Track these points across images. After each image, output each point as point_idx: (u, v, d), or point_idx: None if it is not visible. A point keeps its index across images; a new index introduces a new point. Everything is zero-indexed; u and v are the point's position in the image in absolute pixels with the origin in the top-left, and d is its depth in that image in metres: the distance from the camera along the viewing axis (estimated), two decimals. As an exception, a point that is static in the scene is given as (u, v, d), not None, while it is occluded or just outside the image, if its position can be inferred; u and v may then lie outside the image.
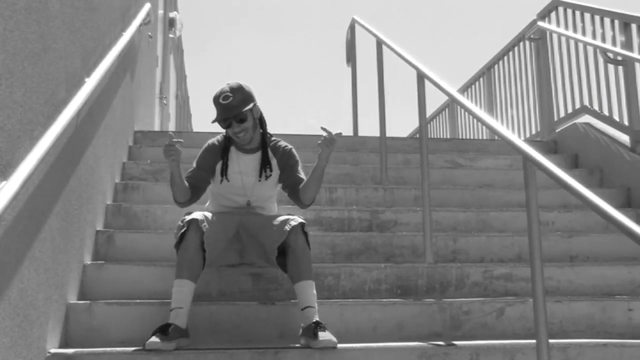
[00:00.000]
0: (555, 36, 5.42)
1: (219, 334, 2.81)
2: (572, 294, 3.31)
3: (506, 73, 6.31)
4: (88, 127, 3.06)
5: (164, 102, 7.29)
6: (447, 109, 8.10)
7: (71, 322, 2.71)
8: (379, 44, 4.84)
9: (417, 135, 5.23)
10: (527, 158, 2.45)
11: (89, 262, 3.10)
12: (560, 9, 5.29)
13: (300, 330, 2.66)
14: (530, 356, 2.59)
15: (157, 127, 6.68)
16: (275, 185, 3.07)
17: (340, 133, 2.86)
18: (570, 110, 5.20)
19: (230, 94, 2.88)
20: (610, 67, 4.56)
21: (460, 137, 7.52)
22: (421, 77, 3.69)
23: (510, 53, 6.21)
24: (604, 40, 4.65)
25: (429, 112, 8.25)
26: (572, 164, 5.02)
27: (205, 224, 2.74)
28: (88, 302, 2.79)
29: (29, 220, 2.14)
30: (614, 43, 4.54)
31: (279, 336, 2.83)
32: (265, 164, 2.99)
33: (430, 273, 3.27)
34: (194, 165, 3.03)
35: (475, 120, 6.96)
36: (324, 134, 2.85)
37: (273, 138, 3.08)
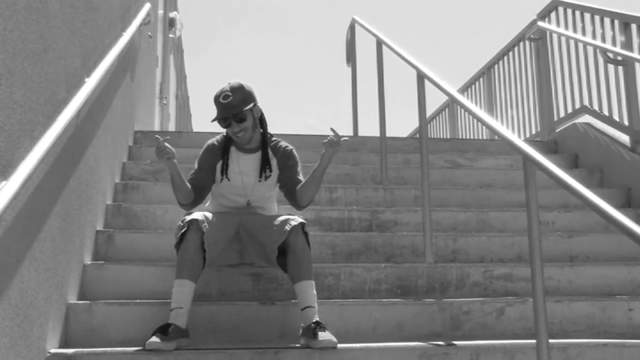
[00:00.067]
0: (555, 36, 5.42)
1: (219, 334, 2.81)
2: (572, 294, 3.31)
3: (506, 73, 6.31)
4: (88, 127, 3.06)
5: (164, 102, 7.29)
6: (447, 109, 8.10)
7: (71, 322, 2.71)
8: (379, 44, 4.84)
9: (417, 135, 5.22)
10: (527, 158, 2.45)
11: (89, 262, 3.10)
12: (560, 9, 5.29)
13: (300, 330, 2.66)
14: (530, 356, 2.59)
15: (157, 127, 6.68)
16: (275, 185, 3.07)
17: (347, 139, 2.86)
18: (570, 110, 5.20)
19: (231, 94, 2.88)
20: (610, 67, 4.56)
21: (460, 137, 7.52)
22: (421, 77, 3.69)
23: (510, 53, 6.21)
24: (604, 40, 4.65)
25: (429, 112, 8.25)
26: (572, 164, 5.02)
27: (206, 224, 2.74)
28: (88, 302, 2.79)
29: (29, 220, 2.14)
30: (614, 43, 4.54)
31: (279, 336, 2.83)
32: (265, 164, 2.99)
33: (430, 273, 3.27)
34: (196, 166, 3.03)
35: (475, 120, 6.96)
36: (331, 134, 2.85)
37: (274, 138, 3.08)
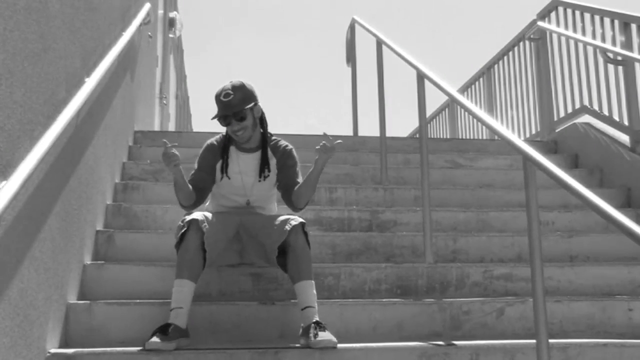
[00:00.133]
0: (555, 36, 5.42)
1: (219, 334, 2.81)
2: (572, 294, 3.31)
3: (506, 73, 6.31)
4: (88, 127, 3.06)
5: (164, 102, 7.29)
6: (447, 109, 8.10)
7: (71, 322, 2.71)
8: (379, 44, 4.84)
9: (417, 135, 5.22)
10: (527, 158, 2.45)
11: (89, 262, 3.10)
12: (560, 9, 5.29)
13: (300, 330, 2.66)
14: (530, 356, 2.59)
15: (157, 127, 6.68)
16: (275, 184, 3.07)
17: (341, 142, 2.86)
18: (570, 110, 5.20)
19: (232, 92, 2.88)
20: (610, 67, 4.56)
21: (460, 137, 7.52)
22: (421, 77, 3.69)
23: (510, 53, 6.21)
24: (604, 40, 4.65)
25: (429, 112, 8.25)
26: (572, 164, 5.02)
27: (206, 224, 2.74)
28: (88, 302, 2.79)
29: (28, 220, 2.14)
30: (613, 43, 4.54)
31: (279, 336, 2.83)
32: (264, 164, 2.99)
33: (430, 273, 3.27)
34: (196, 167, 3.03)
35: (475, 120, 6.96)
36: (324, 140, 2.84)
37: (273, 137, 3.08)
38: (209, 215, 2.84)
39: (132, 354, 2.44)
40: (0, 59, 1.84)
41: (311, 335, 2.54)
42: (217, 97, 2.91)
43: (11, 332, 1.97)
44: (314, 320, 2.60)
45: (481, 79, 6.90)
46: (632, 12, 4.43)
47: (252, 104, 2.92)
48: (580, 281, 3.37)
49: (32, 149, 2.02)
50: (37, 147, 2.04)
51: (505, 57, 6.31)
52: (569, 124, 5.27)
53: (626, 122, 4.47)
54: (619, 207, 4.16)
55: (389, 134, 4.79)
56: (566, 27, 5.19)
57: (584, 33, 4.91)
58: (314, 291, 2.73)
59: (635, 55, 4.33)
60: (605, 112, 4.69)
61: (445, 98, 7.32)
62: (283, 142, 3.07)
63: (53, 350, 2.41)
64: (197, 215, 2.78)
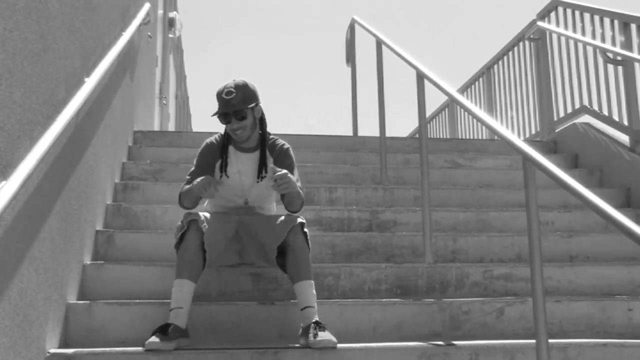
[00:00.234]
0: (555, 36, 5.42)
1: (219, 334, 2.81)
2: (572, 294, 3.31)
3: (506, 73, 6.31)
4: (88, 127, 3.06)
5: (164, 102, 7.29)
6: (446, 109, 8.10)
7: (71, 322, 2.71)
8: (379, 44, 4.84)
9: (417, 135, 5.22)
10: (526, 158, 2.45)
11: (88, 262, 3.10)
12: (560, 9, 5.29)
13: (300, 330, 2.66)
14: (530, 356, 2.59)
15: (156, 127, 6.68)
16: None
17: (286, 173, 2.74)
18: (570, 110, 5.20)
19: (234, 90, 2.88)
20: (610, 67, 4.56)
21: (460, 137, 7.52)
22: (421, 77, 3.69)
23: (510, 53, 6.21)
24: (603, 40, 4.65)
25: (429, 112, 8.25)
26: (572, 164, 5.03)
27: (205, 224, 2.74)
28: (88, 302, 2.79)
29: (28, 220, 2.14)
30: (613, 43, 4.54)
31: (278, 336, 2.83)
32: (262, 165, 2.99)
33: (430, 273, 3.27)
34: (194, 167, 3.02)
35: (475, 120, 6.96)
36: (276, 173, 2.72)
37: (271, 136, 3.08)
38: (209, 215, 2.84)
39: (131, 354, 2.44)
40: (0, 59, 1.84)
41: (311, 335, 2.54)
42: (219, 94, 2.91)
43: (11, 332, 1.97)
44: (314, 320, 2.60)
45: (481, 79, 6.90)
46: (632, 12, 4.43)
47: (254, 104, 2.92)
48: (580, 281, 3.37)
49: (31, 149, 2.02)
50: (37, 147, 2.04)
51: (505, 57, 6.31)
52: (568, 124, 5.27)
53: (626, 122, 4.47)
54: (618, 207, 4.16)
55: (388, 134, 4.80)
56: (566, 27, 5.19)
57: (583, 33, 4.91)
58: (314, 291, 2.73)
59: (635, 55, 4.33)
60: (605, 112, 4.69)
61: (445, 98, 7.33)
62: (280, 141, 3.07)
63: (53, 351, 2.41)
64: (196, 215, 2.78)
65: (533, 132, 5.82)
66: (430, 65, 3.72)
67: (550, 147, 5.30)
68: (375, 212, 3.92)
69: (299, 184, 2.97)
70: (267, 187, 3.03)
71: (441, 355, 2.59)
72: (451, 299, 3.05)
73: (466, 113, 7.13)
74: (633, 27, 4.43)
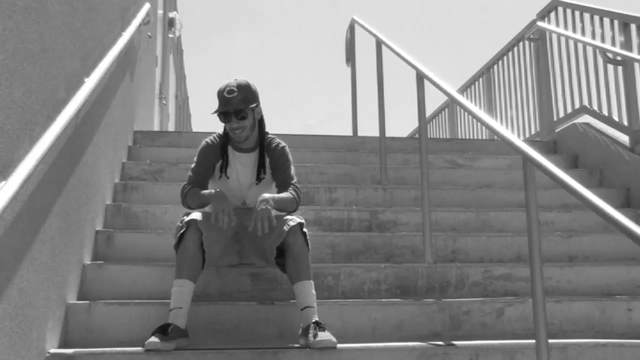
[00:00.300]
0: (554, 36, 5.42)
1: (219, 334, 2.81)
2: (572, 294, 3.31)
3: (506, 73, 6.31)
4: (87, 127, 3.06)
5: (164, 102, 7.29)
6: (446, 109, 8.10)
7: (71, 322, 2.71)
8: (379, 44, 4.84)
9: (417, 135, 5.22)
10: (526, 158, 2.45)
11: (88, 262, 3.10)
12: (560, 9, 5.29)
13: (300, 330, 2.66)
14: (529, 356, 2.59)
15: (156, 127, 6.68)
16: (271, 184, 3.07)
17: (268, 202, 2.76)
18: (569, 110, 5.20)
19: (236, 90, 2.89)
20: (610, 67, 4.56)
21: (460, 137, 7.52)
22: (421, 77, 3.69)
23: (510, 53, 6.21)
24: (603, 40, 4.65)
25: (429, 112, 8.25)
26: (572, 164, 5.03)
27: (205, 224, 2.74)
28: (87, 302, 2.79)
29: (28, 220, 2.14)
30: (613, 43, 4.54)
31: (278, 336, 2.83)
32: (260, 167, 3.00)
33: (429, 273, 3.27)
34: (196, 165, 3.02)
35: (474, 120, 6.96)
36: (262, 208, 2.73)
37: (268, 136, 3.08)
38: (208, 215, 2.84)
39: (131, 354, 2.43)
40: (0, 59, 1.84)
41: (311, 335, 2.54)
42: (221, 92, 2.91)
43: (10, 332, 1.97)
44: (314, 321, 2.60)
45: (481, 79, 6.91)
46: (631, 12, 4.43)
47: (254, 104, 2.93)
48: (580, 281, 3.37)
49: (31, 149, 2.02)
50: (37, 147, 2.04)
51: (505, 58, 6.31)
52: (568, 124, 5.27)
53: (626, 122, 4.47)
54: (618, 207, 4.16)
55: (388, 134, 4.80)
56: (566, 27, 5.19)
57: (583, 33, 4.91)
58: (313, 291, 2.73)
59: (634, 55, 4.33)
60: (605, 112, 4.69)
61: (445, 98, 7.32)
62: (276, 141, 3.07)
63: (52, 351, 2.40)
64: (196, 215, 2.78)
65: (533, 132, 5.82)
66: (430, 65, 3.72)
67: (550, 147, 5.30)
68: (375, 212, 3.92)
69: (294, 180, 2.98)
70: (265, 187, 3.03)
71: (441, 355, 2.59)
72: (451, 299, 3.05)
73: (466, 113, 7.13)
74: (633, 27, 4.43)
